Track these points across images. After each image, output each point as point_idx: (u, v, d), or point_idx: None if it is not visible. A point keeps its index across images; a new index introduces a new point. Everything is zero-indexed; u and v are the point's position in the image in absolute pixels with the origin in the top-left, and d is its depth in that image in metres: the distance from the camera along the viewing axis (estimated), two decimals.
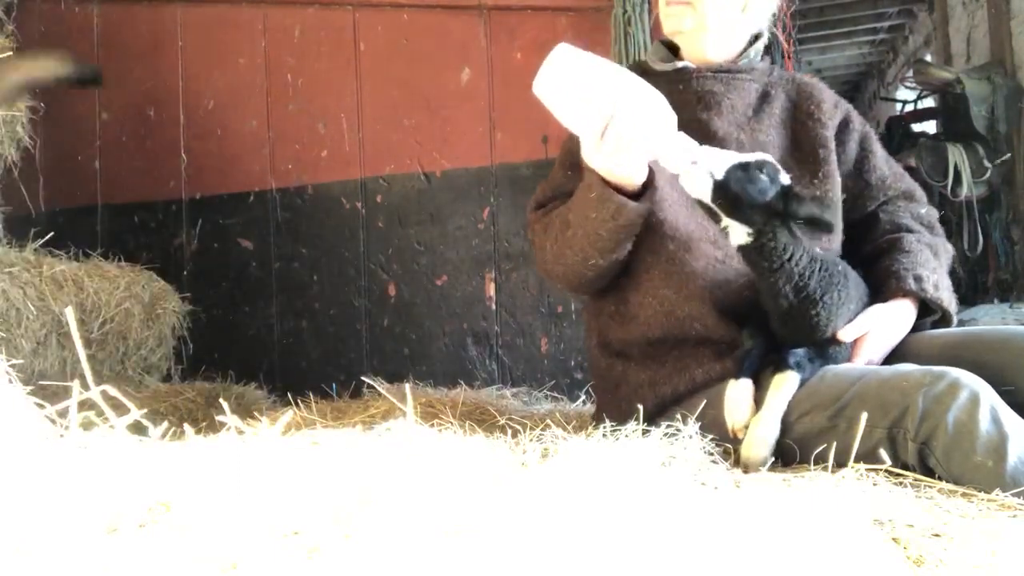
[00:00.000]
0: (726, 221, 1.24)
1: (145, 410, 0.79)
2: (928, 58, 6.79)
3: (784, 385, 1.22)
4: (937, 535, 0.82)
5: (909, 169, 4.45)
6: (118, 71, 3.27)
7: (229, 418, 0.80)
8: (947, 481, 1.05)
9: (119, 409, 0.76)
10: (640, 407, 1.23)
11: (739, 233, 1.23)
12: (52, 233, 2.67)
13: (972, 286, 4.80)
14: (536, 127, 2.77)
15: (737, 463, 1.20)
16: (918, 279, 1.38)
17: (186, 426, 0.82)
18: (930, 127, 5.66)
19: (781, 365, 1.24)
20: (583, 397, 2.45)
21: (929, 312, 1.43)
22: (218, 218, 3.16)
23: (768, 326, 1.31)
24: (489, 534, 0.58)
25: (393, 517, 0.59)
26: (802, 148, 1.50)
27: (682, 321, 1.37)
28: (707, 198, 1.22)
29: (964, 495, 1.00)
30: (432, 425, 0.95)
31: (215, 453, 0.73)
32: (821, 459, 1.10)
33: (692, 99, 1.48)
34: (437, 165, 2.92)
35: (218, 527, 0.57)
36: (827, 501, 0.86)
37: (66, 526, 0.57)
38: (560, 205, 1.47)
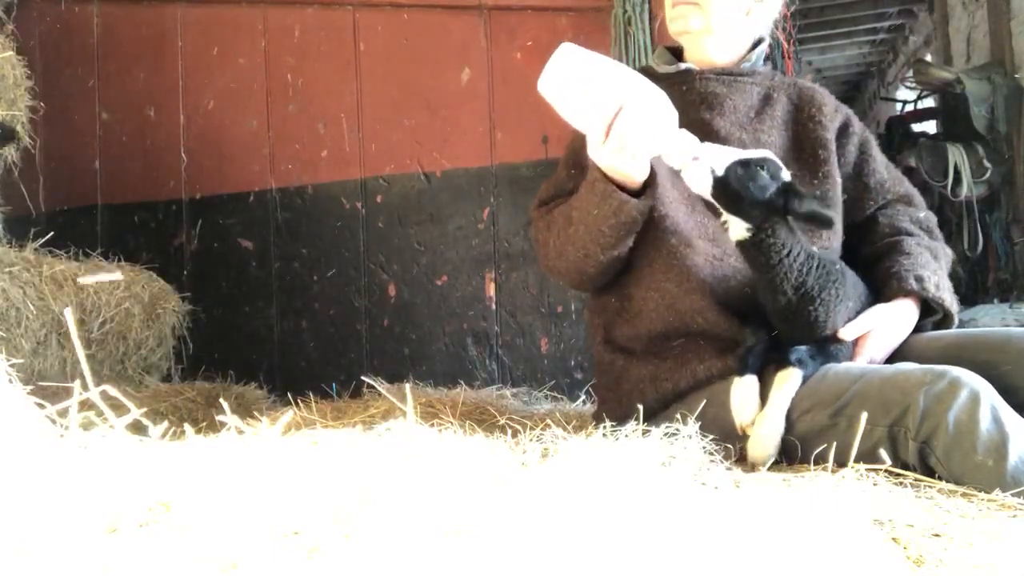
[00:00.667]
0: (725, 216, 1.25)
1: (145, 410, 0.79)
2: (928, 58, 6.79)
3: (787, 382, 1.23)
4: (937, 535, 0.82)
5: (909, 169, 4.47)
6: (118, 71, 3.28)
7: (229, 418, 0.80)
8: (947, 480, 1.05)
9: (119, 409, 0.77)
10: (640, 406, 1.24)
11: (738, 228, 1.24)
12: (52, 233, 2.68)
13: (972, 286, 4.79)
14: (536, 127, 2.77)
15: (741, 461, 1.20)
16: (919, 279, 1.38)
17: (186, 426, 0.82)
18: (930, 127, 5.66)
19: (783, 362, 1.25)
20: (583, 397, 2.46)
21: (930, 313, 1.44)
22: (218, 218, 3.16)
23: (770, 323, 1.32)
24: (489, 534, 0.57)
25: (393, 517, 0.59)
26: (803, 149, 1.52)
27: (683, 314, 1.38)
28: (707, 194, 1.23)
29: (964, 495, 1.00)
30: (432, 425, 0.95)
31: (215, 453, 0.73)
32: (822, 458, 1.10)
33: (695, 99, 1.50)
34: (437, 165, 2.92)
35: (218, 527, 0.57)
36: (827, 501, 0.86)
37: (66, 526, 0.57)
38: (563, 203, 1.48)
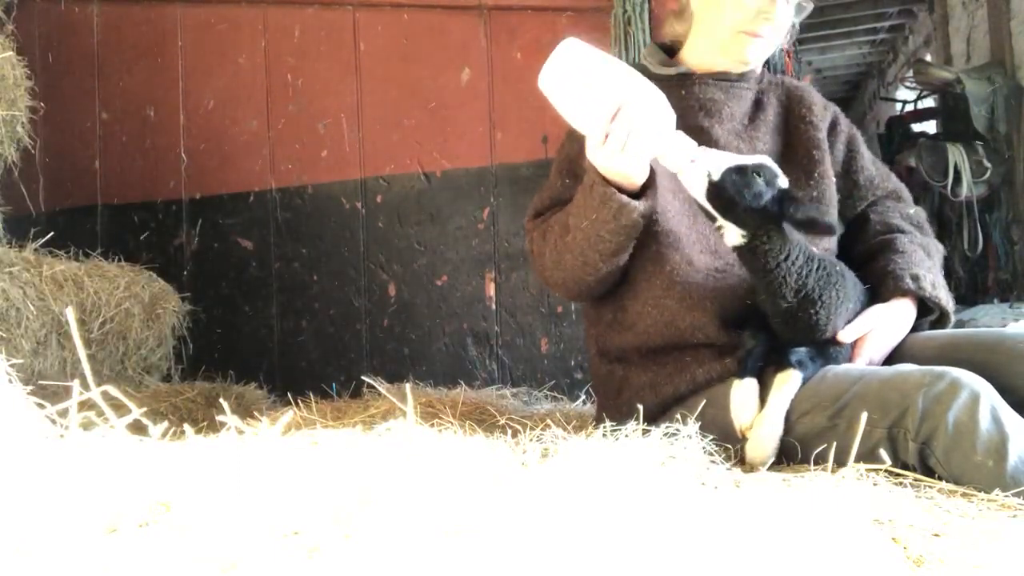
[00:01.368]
0: (721, 221, 1.24)
1: (145, 410, 0.79)
2: (928, 58, 6.78)
3: (786, 384, 1.22)
4: (937, 535, 0.82)
5: (909, 169, 4.47)
6: (118, 71, 3.28)
7: (229, 418, 0.79)
8: (947, 481, 1.05)
9: (119, 409, 0.76)
10: (641, 407, 1.23)
11: (733, 234, 1.23)
12: (52, 233, 2.67)
13: (972, 286, 4.79)
14: (536, 127, 2.77)
15: (741, 462, 1.20)
16: (915, 278, 1.38)
17: (186, 426, 0.82)
18: (930, 127, 5.66)
19: (783, 364, 1.24)
20: (583, 397, 2.45)
21: (927, 312, 1.43)
22: (218, 218, 3.16)
23: (769, 325, 1.31)
24: (489, 534, 0.57)
25: (393, 517, 0.59)
26: (796, 151, 1.51)
27: (683, 331, 1.37)
28: (702, 198, 1.22)
29: (964, 495, 1.00)
30: (432, 425, 0.95)
31: (215, 453, 0.73)
32: (821, 459, 1.10)
33: (694, 105, 1.49)
34: (437, 165, 2.92)
35: (218, 527, 0.57)
36: (827, 501, 0.86)
37: (66, 526, 0.57)
38: (559, 211, 1.46)
